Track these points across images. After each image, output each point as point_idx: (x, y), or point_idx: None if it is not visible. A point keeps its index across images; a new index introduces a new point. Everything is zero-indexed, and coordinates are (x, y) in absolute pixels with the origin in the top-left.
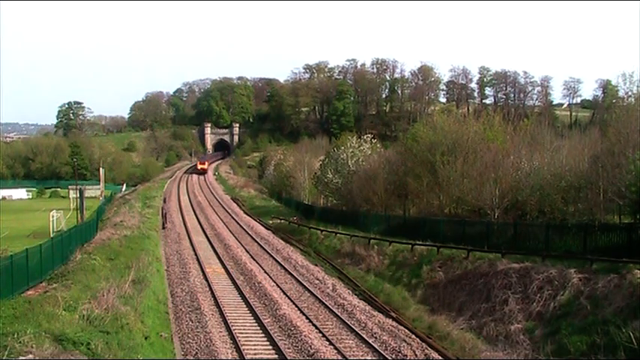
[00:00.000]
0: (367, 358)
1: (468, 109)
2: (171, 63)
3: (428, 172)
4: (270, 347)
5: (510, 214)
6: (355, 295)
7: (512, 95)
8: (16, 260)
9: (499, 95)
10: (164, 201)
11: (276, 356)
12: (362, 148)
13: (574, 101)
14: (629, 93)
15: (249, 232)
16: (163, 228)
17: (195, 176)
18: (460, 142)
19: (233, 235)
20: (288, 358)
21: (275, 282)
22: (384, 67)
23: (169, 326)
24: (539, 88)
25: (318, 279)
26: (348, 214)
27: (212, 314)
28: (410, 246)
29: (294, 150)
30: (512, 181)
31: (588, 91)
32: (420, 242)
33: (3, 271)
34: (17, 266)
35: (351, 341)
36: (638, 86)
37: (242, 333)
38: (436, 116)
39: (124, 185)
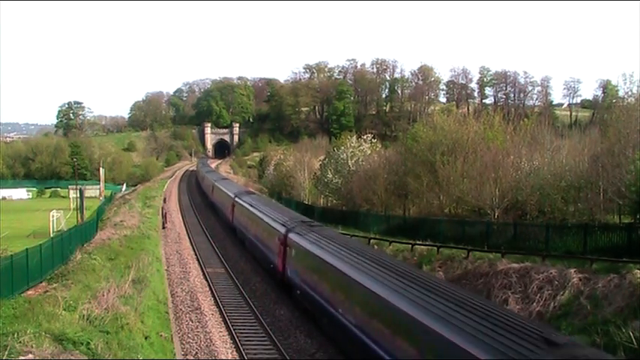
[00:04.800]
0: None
1: (468, 109)
2: (171, 63)
3: (428, 172)
4: (271, 347)
5: (510, 214)
6: None
7: (512, 95)
8: (16, 260)
9: (499, 95)
10: (164, 201)
11: (277, 356)
12: (362, 148)
13: (574, 101)
14: (629, 93)
15: None
16: (163, 228)
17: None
18: (460, 142)
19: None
20: (288, 358)
21: None
22: (384, 67)
23: (169, 326)
24: (539, 88)
25: None
26: (348, 214)
27: (212, 314)
28: (410, 246)
29: (294, 150)
30: (512, 181)
31: (588, 91)
32: (420, 242)
33: (3, 271)
34: (17, 266)
35: None
36: (638, 86)
37: (242, 333)
38: (436, 116)
39: (124, 185)
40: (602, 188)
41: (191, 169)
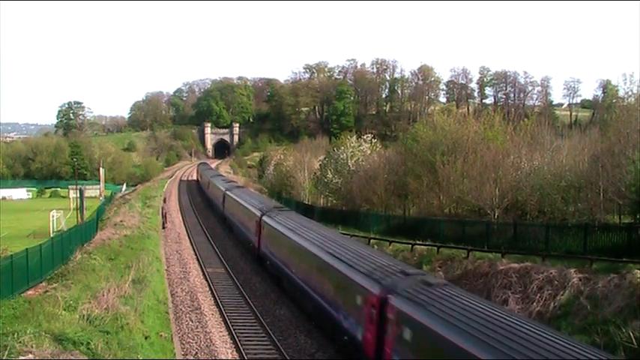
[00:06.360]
0: None
1: (468, 109)
2: (171, 63)
3: (428, 172)
4: (271, 347)
5: (510, 214)
6: None
7: (512, 95)
8: (16, 260)
9: (499, 95)
10: (164, 201)
11: (277, 356)
12: (362, 148)
13: (574, 101)
14: (629, 93)
15: None
16: (163, 228)
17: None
18: (460, 142)
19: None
20: (288, 358)
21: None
22: (384, 67)
23: (169, 326)
24: (539, 88)
25: None
26: (348, 214)
27: (212, 314)
28: (410, 246)
29: (294, 150)
30: (512, 181)
31: (588, 91)
32: (420, 242)
33: (3, 271)
34: (17, 266)
35: None
36: (638, 86)
37: (242, 333)
38: (436, 116)
39: (124, 185)
40: (602, 188)
41: (190, 171)
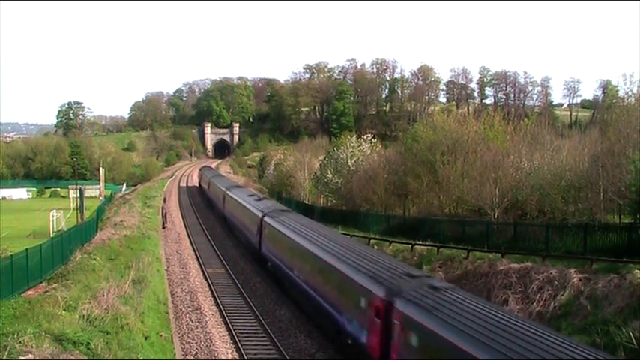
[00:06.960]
0: None
1: (468, 109)
2: (171, 63)
3: (428, 172)
4: (271, 347)
5: (510, 214)
6: None
7: (512, 95)
8: (16, 260)
9: (499, 95)
10: (164, 201)
11: (277, 356)
12: (362, 148)
13: (574, 101)
14: (629, 93)
15: None
16: (163, 228)
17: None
18: (460, 142)
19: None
20: (288, 358)
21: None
22: (384, 67)
23: (169, 326)
24: (539, 88)
25: None
26: (348, 214)
27: (212, 314)
28: (410, 246)
29: (294, 150)
30: (512, 181)
31: (588, 91)
32: (420, 242)
33: (3, 271)
34: (17, 266)
35: None
36: (638, 86)
37: (242, 333)
38: (436, 116)
39: (124, 185)
40: (602, 188)
41: (190, 171)
